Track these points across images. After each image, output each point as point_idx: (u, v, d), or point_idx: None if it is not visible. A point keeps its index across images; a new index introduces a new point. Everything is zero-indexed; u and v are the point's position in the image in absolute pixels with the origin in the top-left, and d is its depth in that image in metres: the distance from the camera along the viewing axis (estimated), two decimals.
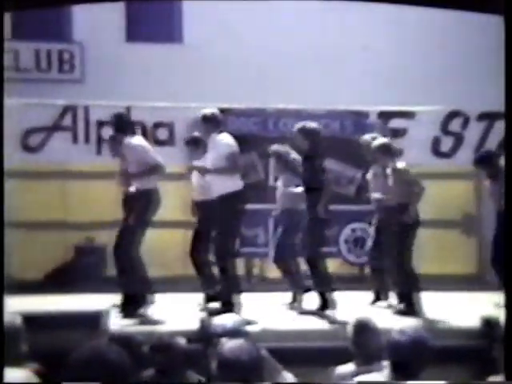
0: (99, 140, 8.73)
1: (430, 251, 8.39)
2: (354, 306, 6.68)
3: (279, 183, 7.22)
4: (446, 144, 8.95)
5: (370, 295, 7.31)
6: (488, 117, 8.83)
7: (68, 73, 10.90)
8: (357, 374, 3.79)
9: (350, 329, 4.23)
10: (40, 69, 10.82)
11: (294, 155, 6.96)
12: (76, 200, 8.82)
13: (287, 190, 6.99)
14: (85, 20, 10.73)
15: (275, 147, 7.17)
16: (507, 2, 3.79)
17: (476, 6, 4.25)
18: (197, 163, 6.88)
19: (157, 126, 8.79)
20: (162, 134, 8.76)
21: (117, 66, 10.54)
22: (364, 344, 4.10)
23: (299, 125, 6.75)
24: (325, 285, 6.58)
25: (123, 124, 6.78)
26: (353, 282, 8.18)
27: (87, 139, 8.74)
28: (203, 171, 6.62)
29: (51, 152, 8.65)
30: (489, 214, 7.71)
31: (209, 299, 6.91)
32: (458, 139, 8.91)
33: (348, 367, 4.15)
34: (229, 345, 2.72)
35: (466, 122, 8.97)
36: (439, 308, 6.84)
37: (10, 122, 8.56)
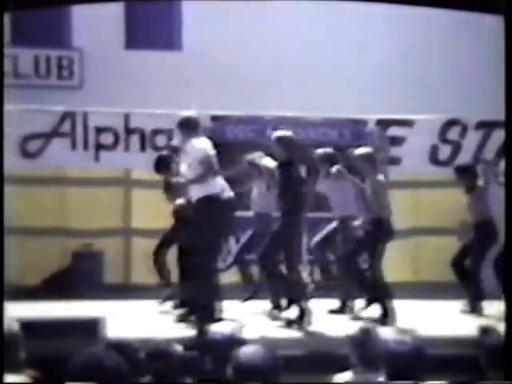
0: (98, 146, 8.75)
1: (426, 259, 8.40)
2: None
3: (254, 189, 7.27)
4: (444, 152, 8.97)
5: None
6: (486, 125, 8.85)
7: (67, 79, 10.91)
8: (355, 382, 3.79)
9: (350, 337, 4.24)
10: (39, 75, 10.83)
11: (269, 162, 6.94)
12: (74, 206, 8.83)
13: (259, 196, 7.01)
14: (84, 26, 10.75)
15: (250, 156, 7.17)
16: (507, 2, 3.80)
17: (476, 6, 4.27)
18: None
19: (155, 132, 8.80)
20: (161, 140, 8.77)
21: (116, 73, 10.55)
22: (364, 352, 4.11)
23: (276, 134, 6.75)
24: (290, 293, 6.59)
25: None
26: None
27: (86, 145, 8.75)
28: (178, 185, 6.58)
29: (50, 158, 8.65)
30: None
31: (178, 306, 6.87)
32: (456, 147, 8.93)
33: (346, 375, 4.15)
34: (244, 350, 2.73)
35: (464, 130, 8.99)
36: (435, 316, 6.85)
37: (9, 127, 8.58)
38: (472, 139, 8.85)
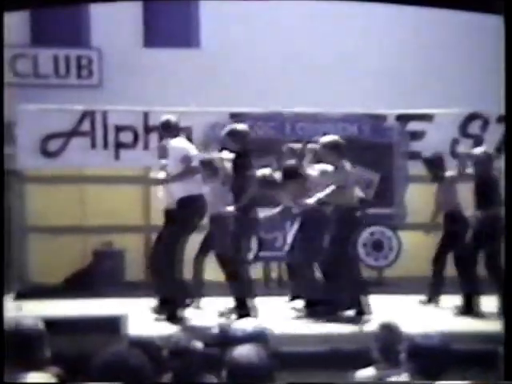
0: (117, 145, 8.78)
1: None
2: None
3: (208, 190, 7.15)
4: (465, 146, 8.90)
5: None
6: None
7: (86, 78, 10.96)
8: (377, 378, 3.77)
9: (371, 332, 4.22)
10: (58, 74, 10.89)
11: (222, 163, 6.95)
12: (95, 205, 8.86)
13: (214, 196, 6.95)
14: (103, 26, 10.79)
15: (207, 157, 7.13)
16: (507, 1, 3.78)
17: (476, 6, 4.25)
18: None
19: None
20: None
21: (135, 71, 10.58)
22: (386, 348, 4.08)
23: (228, 128, 6.79)
24: (241, 290, 6.57)
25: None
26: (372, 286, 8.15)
27: (105, 144, 8.78)
28: (160, 182, 6.83)
29: (70, 157, 8.70)
30: None
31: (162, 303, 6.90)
32: (478, 141, 8.86)
33: (368, 371, 4.13)
34: (239, 350, 2.71)
35: (486, 124, 8.92)
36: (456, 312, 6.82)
37: (29, 127, 8.66)
38: (494, 133, 8.76)
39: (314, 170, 6.87)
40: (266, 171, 7.13)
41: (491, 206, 6.72)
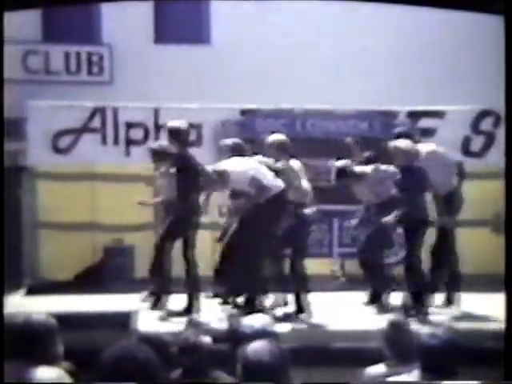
0: (128, 141, 8.79)
1: (461, 251, 8.30)
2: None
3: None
4: (477, 143, 8.86)
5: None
6: None
7: (97, 75, 10.99)
8: (387, 375, 3.76)
9: (382, 329, 4.21)
10: (69, 71, 10.92)
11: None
12: (105, 201, 8.87)
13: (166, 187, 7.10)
14: (113, 22, 10.81)
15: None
16: (507, 1, 3.77)
17: (476, 6, 4.23)
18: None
19: None
20: (191, 135, 8.78)
21: (145, 68, 10.60)
22: (396, 345, 4.07)
23: (168, 124, 6.84)
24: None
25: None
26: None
27: (116, 141, 8.80)
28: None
29: (80, 153, 8.72)
30: None
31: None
32: (490, 138, 8.81)
33: (379, 368, 4.12)
34: (252, 346, 2.70)
35: (498, 121, 8.87)
36: (474, 309, 6.80)
37: (41, 123, 8.69)
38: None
39: (366, 168, 6.98)
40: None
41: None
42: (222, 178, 6.39)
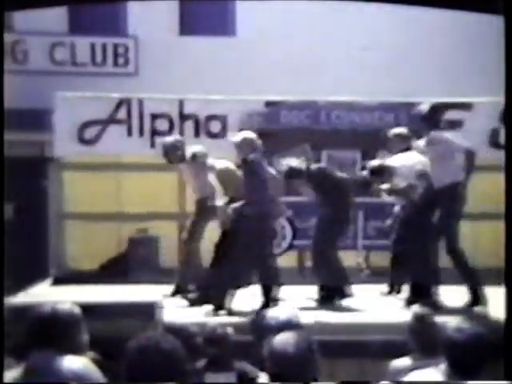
0: (153, 132, 8.82)
1: (485, 244, 8.23)
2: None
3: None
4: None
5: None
6: None
7: (123, 66, 11.03)
8: (413, 368, 3.74)
9: (408, 322, 4.19)
10: (95, 63, 10.97)
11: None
12: (130, 192, 8.93)
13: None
14: (139, 14, 10.84)
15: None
16: (507, 2, 3.72)
17: (476, 6, 4.18)
18: None
19: (209, 118, 8.82)
20: (215, 126, 8.80)
21: (170, 60, 10.61)
22: (421, 338, 4.06)
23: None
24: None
25: None
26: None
27: (141, 132, 8.84)
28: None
29: (106, 144, 8.78)
30: None
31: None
32: None
33: (404, 361, 4.10)
34: (279, 337, 2.70)
35: None
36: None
37: (67, 115, 8.75)
38: None
39: (395, 161, 6.95)
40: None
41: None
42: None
